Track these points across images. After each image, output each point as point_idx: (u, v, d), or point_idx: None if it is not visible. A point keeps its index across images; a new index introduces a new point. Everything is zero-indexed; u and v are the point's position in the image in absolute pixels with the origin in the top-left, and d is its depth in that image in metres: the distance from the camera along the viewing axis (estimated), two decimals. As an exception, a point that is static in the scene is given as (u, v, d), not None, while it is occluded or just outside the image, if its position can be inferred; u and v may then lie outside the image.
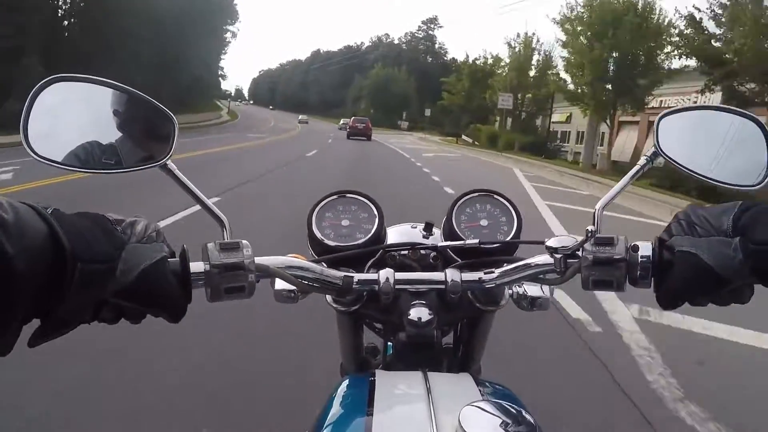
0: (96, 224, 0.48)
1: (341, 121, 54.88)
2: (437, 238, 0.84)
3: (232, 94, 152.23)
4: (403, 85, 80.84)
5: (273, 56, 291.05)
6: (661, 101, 20.56)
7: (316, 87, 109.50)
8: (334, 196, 0.82)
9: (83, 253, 0.43)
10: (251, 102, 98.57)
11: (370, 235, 0.78)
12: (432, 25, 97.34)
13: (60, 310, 0.43)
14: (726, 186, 0.68)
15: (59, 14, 24.67)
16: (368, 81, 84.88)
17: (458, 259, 0.76)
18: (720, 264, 0.53)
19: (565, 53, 22.43)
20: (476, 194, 0.83)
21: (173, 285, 0.52)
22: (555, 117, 31.82)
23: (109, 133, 0.61)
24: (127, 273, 0.48)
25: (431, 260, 0.81)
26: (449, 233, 0.80)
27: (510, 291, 0.78)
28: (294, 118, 68.45)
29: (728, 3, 13.12)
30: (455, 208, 0.82)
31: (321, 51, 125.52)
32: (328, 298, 0.75)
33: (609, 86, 20.39)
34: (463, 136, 43.17)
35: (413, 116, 72.07)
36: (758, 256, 0.52)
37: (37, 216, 0.42)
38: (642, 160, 0.70)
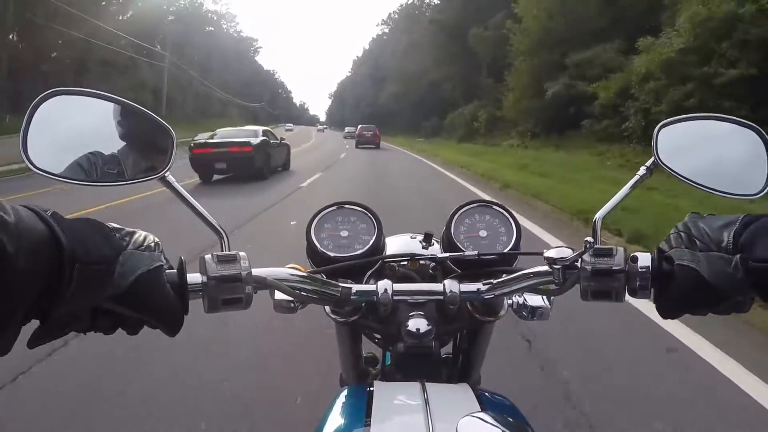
0: (95, 228, 0.49)
1: (346, 130, 47.50)
2: (436, 249, 0.84)
3: (320, 119, 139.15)
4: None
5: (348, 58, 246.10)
6: None
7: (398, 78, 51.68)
8: (333, 207, 0.83)
9: (82, 254, 0.44)
10: (288, 125, 72.88)
11: (368, 246, 0.78)
12: None
13: (58, 312, 0.44)
14: (727, 196, 0.68)
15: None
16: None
17: (457, 270, 0.76)
18: (719, 281, 0.52)
19: None
20: (475, 205, 0.83)
21: (169, 294, 0.53)
22: None
23: (110, 145, 0.61)
24: (124, 277, 0.48)
25: (430, 271, 0.81)
26: (448, 244, 0.80)
27: (510, 301, 0.78)
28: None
29: None
30: (454, 218, 0.81)
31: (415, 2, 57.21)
32: (327, 308, 0.75)
33: None
34: None
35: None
36: (759, 274, 0.51)
37: (37, 218, 0.42)
38: (641, 170, 0.69)
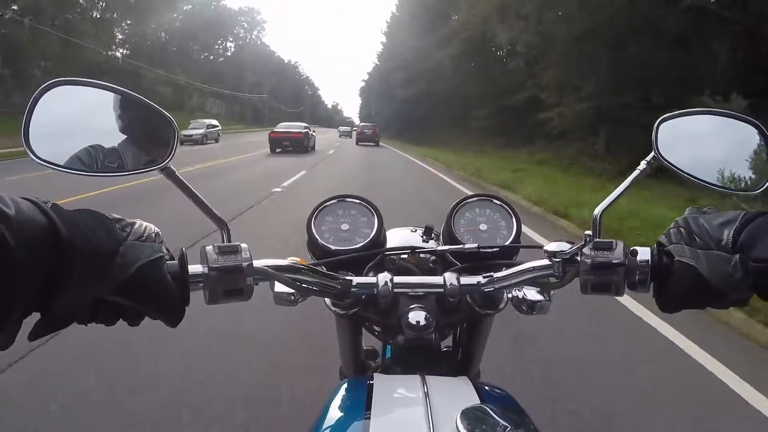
0: (95, 219, 0.48)
1: (340, 129, 49.69)
2: (437, 242, 0.84)
3: (355, 122, 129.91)
4: None
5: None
6: None
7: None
8: (334, 201, 0.83)
9: (82, 246, 0.44)
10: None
11: (369, 239, 0.78)
12: None
13: (59, 304, 0.44)
14: (726, 191, 0.68)
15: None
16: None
17: (458, 263, 0.76)
18: (719, 280, 0.53)
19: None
20: (476, 199, 0.83)
21: (170, 284, 0.52)
22: None
23: (111, 136, 0.61)
24: (125, 268, 0.48)
25: (431, 264, 0.81)
26: (449, 237, 0.80)
27: (509, 294, 0.78)
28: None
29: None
30: (455, 212, 0.82)
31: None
32: (327, 301, 0.75)
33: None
34: None
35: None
36: (758, 274, 0.51)
37: (38, 210, 0.42)
38: (642, 165, 0.69)
